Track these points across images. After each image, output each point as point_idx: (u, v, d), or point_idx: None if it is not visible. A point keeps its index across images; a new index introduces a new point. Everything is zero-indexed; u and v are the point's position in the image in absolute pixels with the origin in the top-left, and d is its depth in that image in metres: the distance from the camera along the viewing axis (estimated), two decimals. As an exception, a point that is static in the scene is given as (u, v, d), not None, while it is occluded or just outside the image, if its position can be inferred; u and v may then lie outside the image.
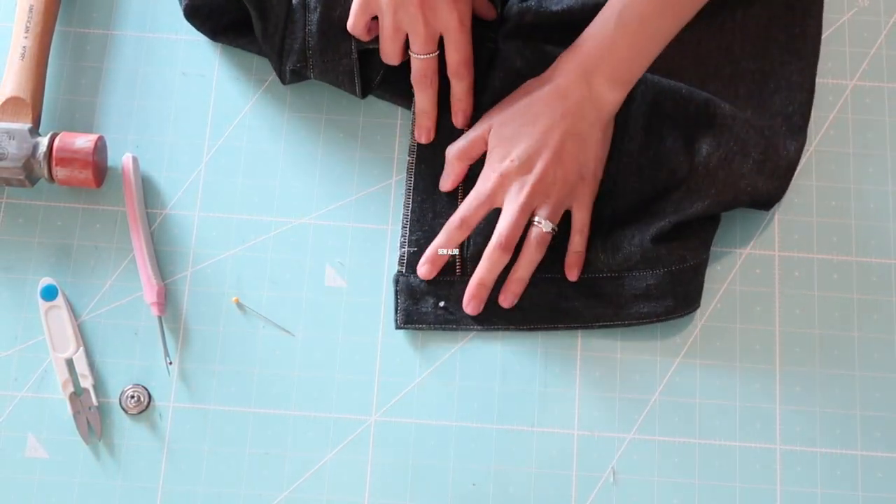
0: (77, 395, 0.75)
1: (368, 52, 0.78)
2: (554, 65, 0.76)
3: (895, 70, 0.83)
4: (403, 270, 0.77)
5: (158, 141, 0.81)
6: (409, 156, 0.80)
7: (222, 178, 0.80)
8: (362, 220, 0.80)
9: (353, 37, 0.76)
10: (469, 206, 0.74)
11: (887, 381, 0.76)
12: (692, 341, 0.77)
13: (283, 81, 0.80)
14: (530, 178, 0.73)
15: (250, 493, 0.74)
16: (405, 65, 0.78)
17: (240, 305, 0.77)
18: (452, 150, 0.77)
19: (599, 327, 0.76)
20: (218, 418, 0.75)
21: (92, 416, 0.75)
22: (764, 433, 0.75)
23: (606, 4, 0.74)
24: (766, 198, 0.77)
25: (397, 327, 0.77)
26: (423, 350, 0.76)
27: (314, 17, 0.77)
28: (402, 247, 0.78)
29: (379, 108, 0.82)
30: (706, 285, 0.77)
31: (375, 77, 0.80)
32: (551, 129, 0.73)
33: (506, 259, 0.74)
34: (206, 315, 0.77)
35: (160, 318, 0.76)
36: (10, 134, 0.76)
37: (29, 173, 0.76)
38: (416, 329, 0.77)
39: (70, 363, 0.75)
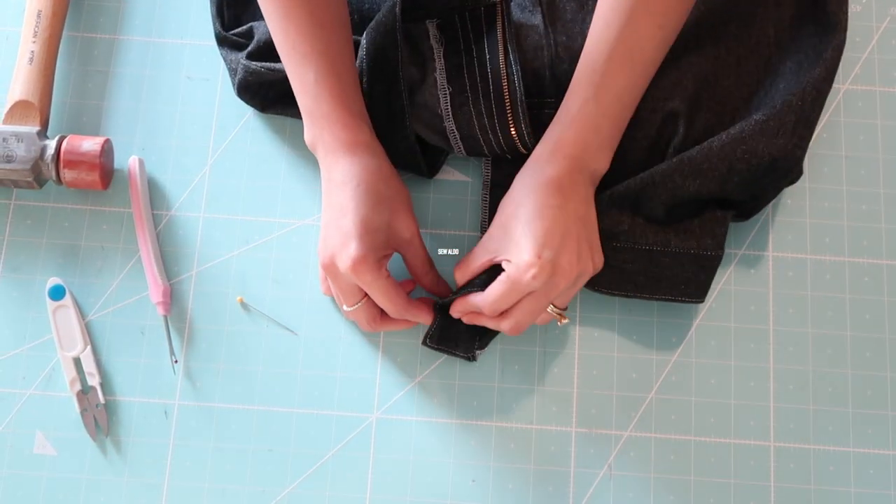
0: (84, 392, 0.76)
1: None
2: (536, 155, 0.72)
3: (886, 74, 0.84)
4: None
5: (164, 143, 0.82)
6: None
7: (227, 179, 0.81)
8: (364, 222, 0.80)
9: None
10: (497, 302, 0.70)
11: (879, 380, 0.77)
12: (687, 340, 0.77)
13: None
14: (556, 279, 0.69)
15: (254, 489, 0.75)
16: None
17: (244, 305, 0.78)
18: (459, 273, 0.74)
19: (622, 296, 0.76)
20: (222, 416, 0.76)
21: (99, 413, 0.76)
22: (758, 430, 0.76)
23: (574, 87, 0.72)
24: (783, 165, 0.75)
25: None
26: (424, 348, 0.77)
27: None
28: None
29: (380, 112, 0.83)
30: (701, 285, 0.78)
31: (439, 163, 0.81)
32: (564, 224, 0.70)
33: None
34: (211, 314, 0.78)
35: (166, 317, 0.77)
36: (19, 137, 0.77)
37: (37, 175, 0.77)
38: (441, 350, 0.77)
39: (77, 361, 0.77)
